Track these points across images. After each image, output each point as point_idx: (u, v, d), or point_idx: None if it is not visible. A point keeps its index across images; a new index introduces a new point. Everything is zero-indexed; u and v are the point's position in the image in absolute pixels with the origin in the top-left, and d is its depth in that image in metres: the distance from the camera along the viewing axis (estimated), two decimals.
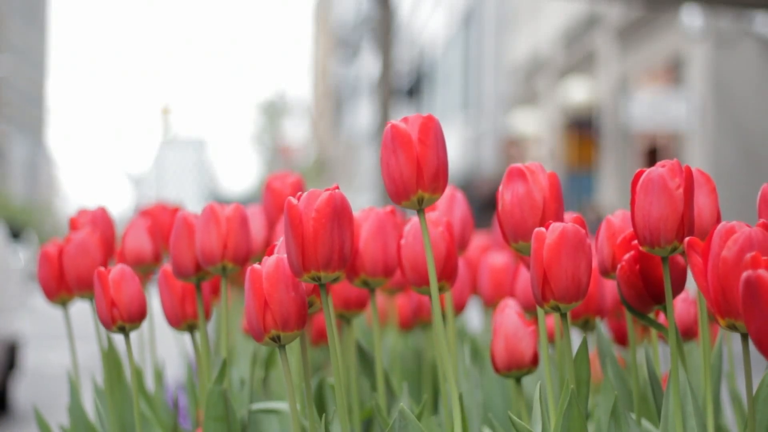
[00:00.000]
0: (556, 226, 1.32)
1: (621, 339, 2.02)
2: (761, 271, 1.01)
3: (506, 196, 1.45)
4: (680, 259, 1.48)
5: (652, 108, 13.61)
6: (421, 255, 1.59)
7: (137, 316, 1.62)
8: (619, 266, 1.49)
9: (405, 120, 1.41)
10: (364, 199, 36.46)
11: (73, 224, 2.01)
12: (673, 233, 1.34)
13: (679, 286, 1.49)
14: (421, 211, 1.43)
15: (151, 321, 2.18)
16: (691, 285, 1.56)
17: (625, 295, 1.49)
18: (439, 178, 1.41)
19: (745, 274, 1.02)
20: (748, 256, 1.08)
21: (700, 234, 1.46)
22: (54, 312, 13.21)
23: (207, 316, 1.79)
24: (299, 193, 1.36)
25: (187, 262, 1.72)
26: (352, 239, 1.37)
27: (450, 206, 1.90)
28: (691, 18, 12.97)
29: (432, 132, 1.40)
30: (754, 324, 1.02)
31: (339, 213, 1.34)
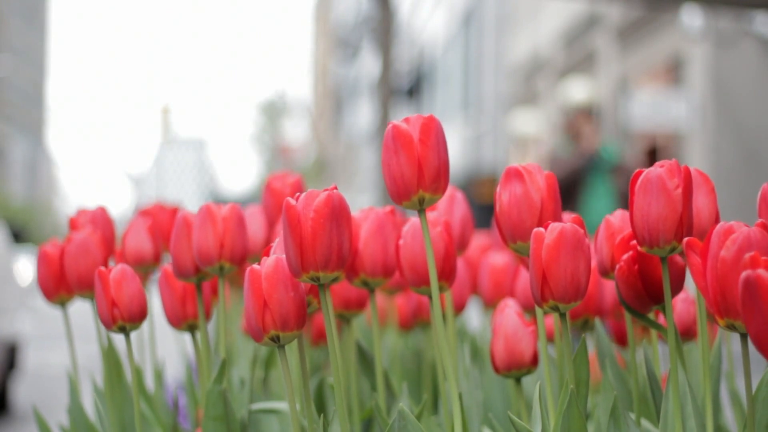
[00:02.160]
0: (554, 227, 1.32)
1: (620, 339, 2.02)
2: (760, 271, 1.01)
3: (504, 197, 1.45)
4: (679, 259, 1.48)
5: (652, 108, 13.60)
6: (419, 255, 1.59)
7: (138, 315, 1.62)
8: (617, 266, 1.49)
9: (406, 120, 1.41)
10: (364, 199, 36.45)
11: (73, 224, 2.01)
12: (671, 233, 1.34)
13: (678, 287, 1.49)
14: (422, 212, 1.43)
15: (151, 321, 2.18)
16: (690, 285, 1.56)
17: (624, 296, 1.49)
18: (440, 178, 1.41)
19: (744, 274, 1.02)
20: (747, 255, 1.08)
21: (699, 234, 1.46)
22: (54, 312, 13.22)
23: (207, 316, 1.79)
24: (298, 193, 1.36)
25: (188, 262, 1.72)
26: (351, 239, 1.37)
27: (450, 206, 1.91)
28: (691, 18, 12.96)
29: (433, 132, 1.41)
30: (754, 324, 1.03)
31: (337, 213, 1.34)
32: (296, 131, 62.68)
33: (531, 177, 1.45)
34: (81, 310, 3.40)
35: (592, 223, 5.17)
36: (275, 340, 1.37)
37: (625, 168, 6.62)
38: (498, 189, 1.46)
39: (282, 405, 1.76)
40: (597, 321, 1.87)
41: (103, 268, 1.62)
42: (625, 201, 6.31)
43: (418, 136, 1.40)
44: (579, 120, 6.78)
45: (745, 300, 1.03)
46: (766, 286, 1.01)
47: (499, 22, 23.91)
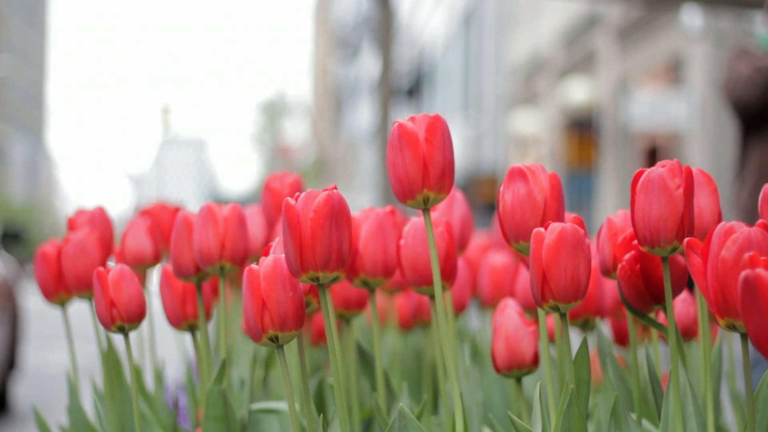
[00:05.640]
0: (555, 227, 1.32)
1: (621, 339, 2.02)
2: (759, 270, 1.01)
3: (507, 196, 1.45)
4: (680, 259, 1.48)
5: (652, 108, 13.60)
6: (420, 255, 1.59)
7: (137, 316, 1.62)
8: (619, 266, 1.49)
9: (412, 119, 1.41)
10: (364, 199, 36.44)
11: (72, 224, 2.00)
12: (672, 233, 1.34)
13: (679, 286, 1.49)
14: (426, 211, 1.43)
15: (151, 321, 2.17)
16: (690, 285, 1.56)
17: (626, 295, 1.49)
18: (445, 177, 1.41)
19: (743, 274, 1.02)
20: (747, 255, 1.08)
21: (701, 234, 1.46)
22: (53, 312, 13.21)
23: (207, 316, 1.79)
24: (297, 193, 1.36)
25: (188, 261, 1.72)
26: (350, 239, 1.36)
27: (450, 206, 1.91)
28: (691, 18, 12.96)
29: (439, 132, 1.41)
30: (753, 323, 1.02)
31: (337, 213, 1.34)
32: (296, 131, 62.70)
33: (534, 177, 1.44)
34: (80, 310, 3.40)
35: None
36: (274, 340, 1.37)
37: None
38: (501, 188, 1.46)
39: (282, 405, 1.76)
40: (598, 321, 1.87)
41: (101, 269, 1.61)
42: None
43: (424, 135, 1.40)
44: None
45: (744, 299, 1.03)
46: (765, 285, 1.01)
47: (499, 22, 23.91)
